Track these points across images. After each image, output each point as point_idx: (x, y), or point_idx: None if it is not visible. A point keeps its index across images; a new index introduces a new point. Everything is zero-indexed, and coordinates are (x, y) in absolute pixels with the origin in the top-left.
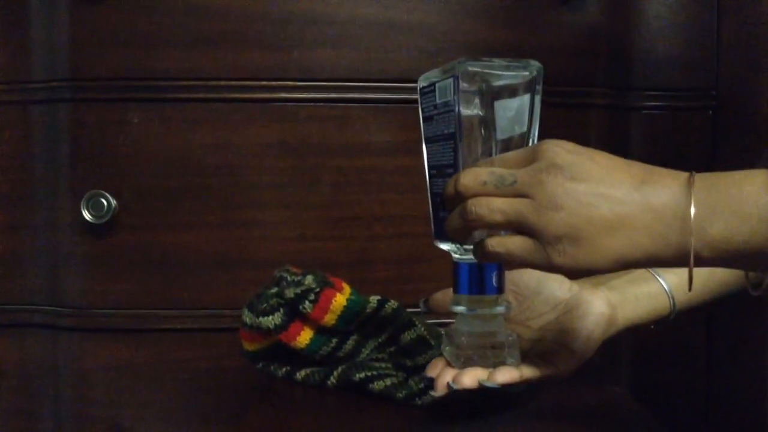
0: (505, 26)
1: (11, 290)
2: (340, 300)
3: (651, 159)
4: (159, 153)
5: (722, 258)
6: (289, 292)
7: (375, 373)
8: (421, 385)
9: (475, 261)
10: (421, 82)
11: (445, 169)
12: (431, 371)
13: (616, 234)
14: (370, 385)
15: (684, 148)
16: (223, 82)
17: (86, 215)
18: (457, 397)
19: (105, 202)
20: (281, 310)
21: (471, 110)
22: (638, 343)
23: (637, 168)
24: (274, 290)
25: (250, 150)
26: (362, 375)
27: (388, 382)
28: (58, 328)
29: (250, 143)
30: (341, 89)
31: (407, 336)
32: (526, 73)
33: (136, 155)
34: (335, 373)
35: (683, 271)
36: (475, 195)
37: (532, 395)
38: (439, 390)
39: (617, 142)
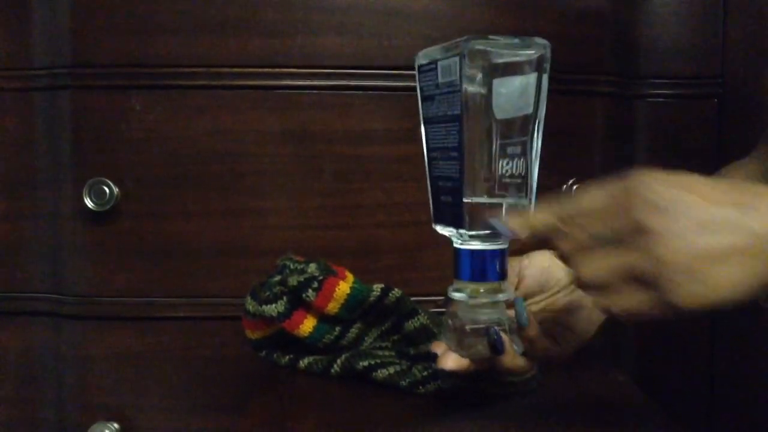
0: (509, 12)
1: (13, 278)
2: (343, 288)
3: (656, 147)
4: (161, 140)
5: None
6: (292, 280)
7: (378, 361)
8: (425, 374)
9: (476, 247)
10: (420, 59)
11: (448, 152)
12: (437, 348)
13: (731, 265)
14: (374, 374)
15: (689, 136)
16: (225, 69)
17: (88, 203)
18: (460, 385)
19: (107, 190)
20: (284, 298)
21: (476, 90)
22: (642, 332)
23: (733, 190)
24: (277, 278)
25: (253, 137)
26: (365, 363)
27: (392, 370)
28: (60, 316)
29: (253, 130)
30: (344, 76)
31: (411, 324)
32: (532, 51)
33: (138, 142)
34: (338, 361)
35: None
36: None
37: (536, 383)
38: (440, 365)
39: (622, 131)
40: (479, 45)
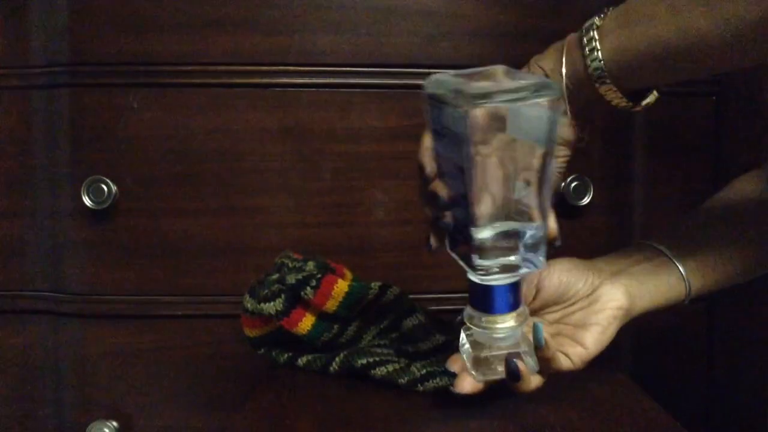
0: (507, 10)
1: (12, 277)
2: (341, 286)
3: (654, 145)
4: (159, 138)
5: None
6: (291, 278)
7: (377, 359)
8: (423, 371)
9: (485, 282)
10: (429, 89)
11: (459, 197)
12: (453, 366)
13: None
14: (372, 372)
15: (687, 134)
16: (223, 67)
17: (86, 201)
18: None
19: (105, 188)
20: (283, 296)
21: (485, 144)
22: (640, 331)
23: None
24: (276, 276)
25: (251, 135)
26: (364, 361)
27: (390, 368)
28: (59, 315)
29: (251, 129)
30: (342, 74)
31: (409, 322)
32: (544, 99)
33: (136, 141)
34: (337, 359)
35: (702, 257)
36: None
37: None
38: (458, 389)
39: (620, 128)
40: (486, 105)
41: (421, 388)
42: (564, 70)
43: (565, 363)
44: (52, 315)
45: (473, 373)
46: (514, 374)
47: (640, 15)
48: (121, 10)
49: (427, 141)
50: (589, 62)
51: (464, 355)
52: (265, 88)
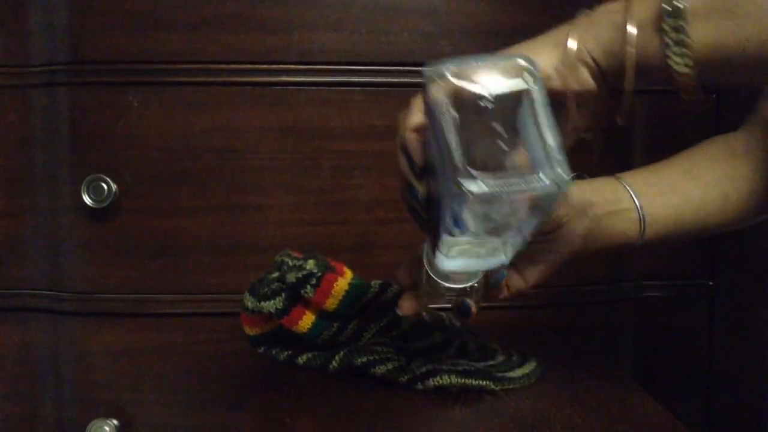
0: (508, 8)
1: (12, 275)
2: (341, 284)
3: (654, 142)
4: (159, 137)
5: None
6: (291, 277)
7: (377, 357)
8: (423, 369)
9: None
10: (432, 88)
11: (436, 203)
12: (402, 278)
13: None
14: (372, 370)
15: (687, 132)
16: (222, 66)
17: (86, 199)
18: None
19: (105, 187)
20: (283, 294)
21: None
22: (640, 331)
23: None
24: (276, 275)
25: (251, 134)
26: (364, 359)
27: (390, 366)
28: (58, 313)
29: (251, 127)
30: (342, 72)
31: (408, 320)
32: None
33: (136, 139)
34: (337, 357)
35: (665, 209)
36: None
37: (536, 378)
38: (402, 311)
39: (621, 127)
40: (482, 188)
41: (421, 386)
42: (628, 54)
43: (501, 293)
44: (51, 313)
45: (421, 297)
46: (465, 313)
47: (749, 3)
48: (121, 8)
49: (417, 117)
50: (671, 54)
51: (421, 281)
52: (265, 86)
